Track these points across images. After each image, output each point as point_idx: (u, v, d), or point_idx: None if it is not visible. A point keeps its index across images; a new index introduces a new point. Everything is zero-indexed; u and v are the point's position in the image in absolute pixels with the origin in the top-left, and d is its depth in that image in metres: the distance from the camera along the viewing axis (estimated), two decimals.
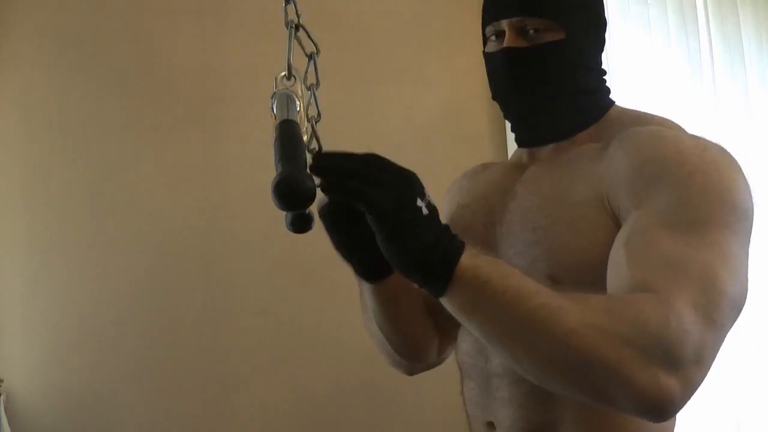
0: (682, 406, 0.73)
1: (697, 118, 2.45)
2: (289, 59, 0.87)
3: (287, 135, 0.80)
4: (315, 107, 0.93)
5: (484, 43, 1.10)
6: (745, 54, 2.56)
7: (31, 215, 2.13)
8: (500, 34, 1.04)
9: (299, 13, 0.88)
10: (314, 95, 0.92)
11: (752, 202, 0.88)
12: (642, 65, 2.46)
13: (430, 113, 2.36)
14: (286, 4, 0.87)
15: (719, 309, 0.76)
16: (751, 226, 0.86)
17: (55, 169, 2.15)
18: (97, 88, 2.17)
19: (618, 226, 0.88)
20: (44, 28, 2.17)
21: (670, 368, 0.71)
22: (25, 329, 2.11)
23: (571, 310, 0.72)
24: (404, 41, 2.36)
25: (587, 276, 0.88)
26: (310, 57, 0.91)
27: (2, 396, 2.00)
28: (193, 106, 2.20)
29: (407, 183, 0.76)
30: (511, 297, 0.73)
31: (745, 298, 0.81)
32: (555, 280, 0.90)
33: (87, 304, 2.11)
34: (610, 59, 2.38)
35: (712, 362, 0.76)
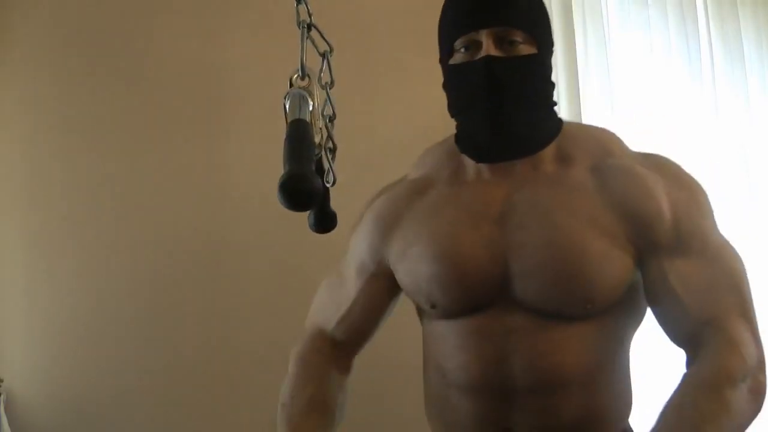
0: None
1: (697, 119, 2.45)
2: (302, 59, 0.87)
3: (297, 134, 0.81)
4: (330, 106, 0.93)
5: (447, 57, 1.10)
6: (745, 55, 2.55)
7: (31, 215, 2.13)
8: (471, 46, 1.05)
9: (311, 12, 0.88)
10: (328, 94, 0.92)
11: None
12: (641, 66, 2.46)
13: (430, 113, 2.35)
14: (298, 4, 0.87)
15: (749, 295, 1.04)
16: None
17: (56, 169, 2.15)
18: (98, 88, 2.17)
19: (635, 249, 1.03)
20: (46, 28, 2.18)
21: (761, 372, 0.98)
22: (25, 329, 2.11)
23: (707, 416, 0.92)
24: (404, 41, 2.36)
25: (616, 295, 1.03)
26: (324, 56, 0.91)
27: (2, 396, 2.00)
28: (194, 105, 2.20)
29: None
30: None
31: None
32: (590, 302, 1.02)
33: (87, 304, 2.11)
34: (609, 59, 2.38)
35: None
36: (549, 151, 1.08)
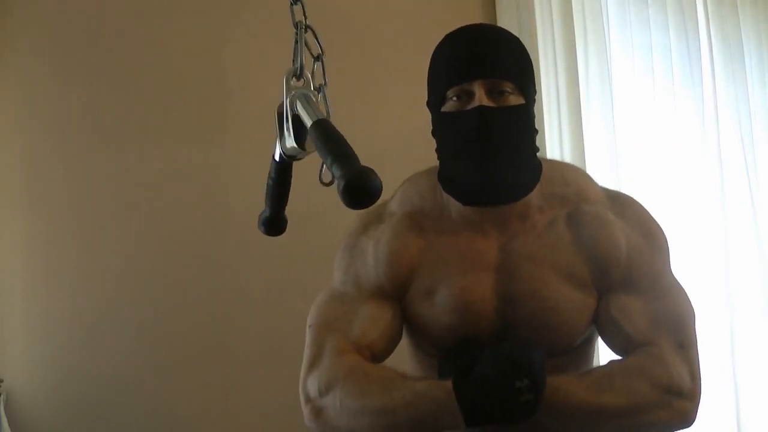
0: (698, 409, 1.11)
1: (696, 119, 2.45)
2: (301, 60, 0.87)
3: (331, 133, 0.79)
4: (325, 107, 0.93)
5: (438, 104, 1.15)
6: (745, 55, 2.55)
7: (31, 215, 2.13)
8: (463, 96, 1.12)
9: (306, 15, 0.88)
10: (324, 95, 0.93)
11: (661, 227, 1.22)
12: (641, 65, 2.46)
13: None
14: (293, 5, 0.87)
15: (691, 333, 1.14)
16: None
17: (55, 169, 2.14)
18: (98, 88, 2.16)
19: (596, 291, 1.15)
20: (46, 29, 2.17)
21: (680, 398, 1.08)
22: (25, 329, 2.11)
23: (610, 402, 1.05)
24: (404, 41, 2.36)
25: (587, 332, 1.19)
26: (318, 58, 0.92)
27: (2, 396, 2.00)
28: (193, 105, 2.20)
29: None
30: (568, 417, 1.05)
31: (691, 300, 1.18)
32: (571, 343, 1.17)
33: (87, 304, 2.11)
34: (609, 59, 2.38)
35: (700, 367, 1.12)
36: (533, 201, 1.17)
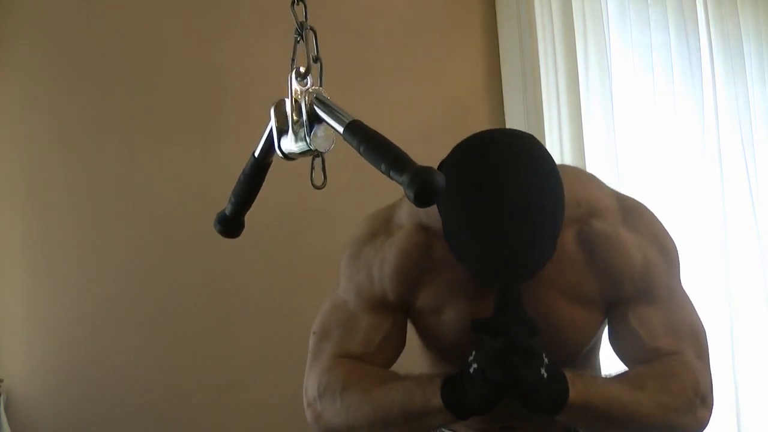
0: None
1: (696, 119, 2.45)
2: (308, 60, 0.85)
3: (373, 135, 0.77)
4: None
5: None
6: (744, 54, 2.55)
7: (31, 215, 2.13)
8: None
9: (307, 16, 0.87)
10: None
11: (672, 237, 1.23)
12: (642, 65, 2.46)
13: (432, 111, 2.35)
14: (295, 5, 0.86)
15: (705, 345, 1.18)
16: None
17: (55, 169, 2.14)
18: (98, 88, 2.16)
19: (605, 304, 1.17)
20: (45, 29, 2.17)
21: (703, 406, 1.11)
22: (25, 329, 2.11)
23: (643, 401, 1.06)
24: (405, 39, 2.36)
25: (593, 342, 1.22)
26: (316, 60, 0.91)
27: (2, 396, 2.00)
28: (193, 106, 2.20)
29: (539, 364, 1.00)
30: (603, 412, 1.05)
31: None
32: (578, 354, 1.20)
33: (87, 304, 2.11)
34: (609, 59, 2.38)
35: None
36: None
